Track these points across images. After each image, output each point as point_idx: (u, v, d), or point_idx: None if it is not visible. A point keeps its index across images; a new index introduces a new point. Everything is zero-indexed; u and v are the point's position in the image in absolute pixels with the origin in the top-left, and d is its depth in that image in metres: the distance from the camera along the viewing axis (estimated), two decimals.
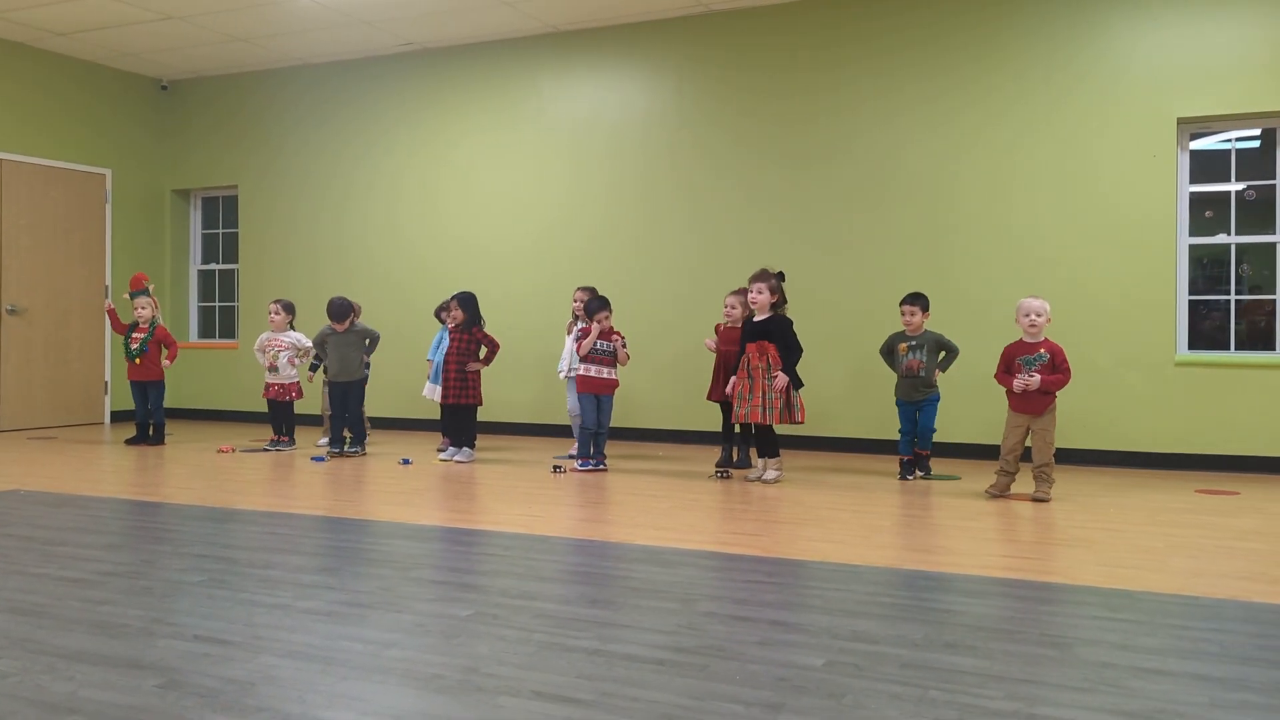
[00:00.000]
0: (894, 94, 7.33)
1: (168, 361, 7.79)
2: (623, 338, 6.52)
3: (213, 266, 10.32)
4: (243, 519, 4.76)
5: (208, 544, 4.17)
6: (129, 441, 7.82)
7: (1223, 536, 4.43)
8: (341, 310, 7.17)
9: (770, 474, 5.90)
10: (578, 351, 6.53)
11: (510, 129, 8.63)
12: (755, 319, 5.97)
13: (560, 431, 8.14)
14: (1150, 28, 6.69)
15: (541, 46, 8.51)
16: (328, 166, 9.41)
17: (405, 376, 8.65)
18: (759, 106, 7.73)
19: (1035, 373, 5.27)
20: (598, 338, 6.40)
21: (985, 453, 6.64)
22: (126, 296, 8.03)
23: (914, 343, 6.03)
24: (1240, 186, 6.70)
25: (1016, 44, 7.00)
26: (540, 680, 2.51)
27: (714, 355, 6.62)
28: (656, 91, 8.11)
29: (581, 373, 6.48)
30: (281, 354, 7.50)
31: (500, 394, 8.26)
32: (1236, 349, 6.69)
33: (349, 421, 7.20)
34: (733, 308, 6.47)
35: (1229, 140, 6.74)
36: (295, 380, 7.56)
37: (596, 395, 6.44)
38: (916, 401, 6.03)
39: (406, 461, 6.79)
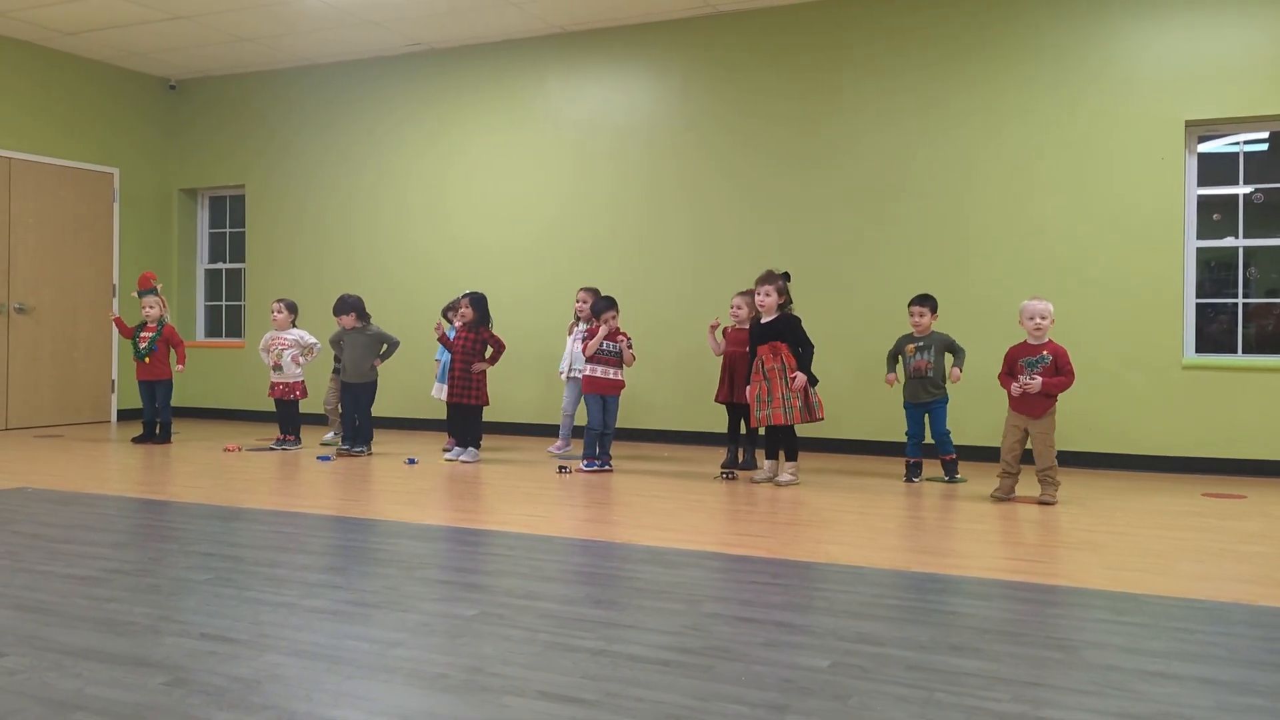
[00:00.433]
0: (901, 96, 7.32)
1: (179, 366, 7.81)
2: (629, 338, 6.52)
3: (219, 266, 10.34)
4: (249, 518, 4.77)
5: (214, 542, 4.17)
6: (136, 440, 7.84)
7: (1229, 540, 4.42)
8: (339, 305, 7.19)
9: (785, 477, 5.89)
10: (584, 351, 6.54)
11: (516, 129, 8.64)
12: (763, 320, 5.97)
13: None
14: (1159, 31, 6.68)
15: (548, 47, 8.52)
16: (335, 166, 9.43)
17: (412, 377, 8.66)
18: (765, 107, 7.73)
19: (1037, 375, 5.26)
20: (604, 338, 6.40)
21: (993, 455, 6.62)
22: (135, 295, 8.06)
23: (921, 344, 6.02)
24: (1248, 190, 6.68)
25: (1025, 46, 6.99)
26: (545, 680, 2.51)
27: (719, 356, 6.62)
28: (662, 92, 8.12)
29: (588, 373, 6.48)
30: (285, 352, 7.51)
31: (504, 394, 8.27)
32: (1244, 352, 6.67)
33: (357, 424, 7.21)
34: (739, 308, 6.46)
35: (1237, 143, 6.73)
36: (300, 379, 7.57)
37: (602, 396, 6.44)
38: (924, 403, 6.01)
39: (412, 461, 6.80)
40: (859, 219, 7.43)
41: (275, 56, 9.28)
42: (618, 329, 6.49)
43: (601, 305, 6.48)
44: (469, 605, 3.21)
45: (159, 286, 7.88)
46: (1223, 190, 6.75)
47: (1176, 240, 6.62)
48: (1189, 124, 6.63)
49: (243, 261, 10.03)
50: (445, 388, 7.09)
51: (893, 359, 6.18)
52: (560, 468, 6.48)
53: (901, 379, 6.13)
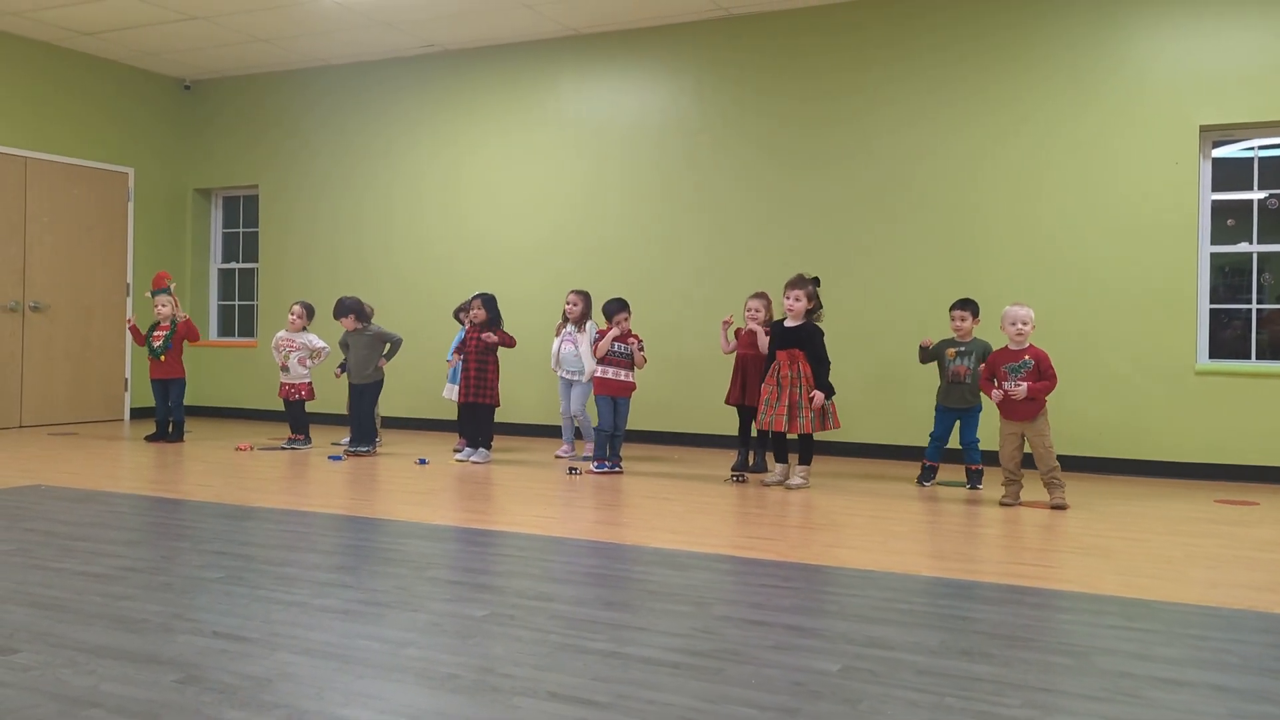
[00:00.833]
0: (914, 98, 7.31)
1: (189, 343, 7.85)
2: (640, 340, 6.53)
3: (233, 265, 10.38)
4: (261, 516, 4.78)
5: (226, 541, 4.19)
6: (149, 438, 7.88)
7: (1242, 547, 4.40)
8: (337, 308, 7.25)
9: (796, 480, 5.88)
10: (594, 352, 6.55)
11: (529, 131, 8.65)
12: (787, 324, 5.94)
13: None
14: (1173, 35, 6.65)
15: (561, 49, 8.53)
16: (348, 167, 9.46)
17: (424, 377, 8.68)
18: (778, 109, 7.73)
19: (1021, 380, 5.26)
20: (614, 340, 6.40)
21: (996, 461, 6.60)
22: (148, 295, 8.09)
23: (963, 349, 5.94)
24: (1263, 195, 6.65)
25: (1039, 50, 6.97)
26: (555, 681, 2.52)
27: (732, 359, 6.62)
28: (675, 94, 8.12)
29: (599, 375, 6.49)
30: (293, 355, 7.54)
31: (513, 394, 8.28)
32: (1257, 358, 6.64)
33: (358, 421, 7.23)
34: (757, 311, 6.45)
35: (1252, 148, 6.70)
36: (305, 381, 7.59)
37: (613, 398, 6.45)
38: (959, 410, 5.94)
39: (423, 461, 6.81)
40: (872, 221, 7.42)
41: (290, 57, 9.31)
42: (629, 331, 6.49)
43: (613, 307, 6.48)
44: (479, 606, 3.21)
45: (172, 286, 7.92)
46: (1237, 195, 6.72)
47: (1190, 245, 6.59)
48: (1204, 129, 6.60)
49: (256, 261, 10.07)
50: (456, 388, 7.11)
51: (928, 357, 6.11)
52: (570, 469, 6.48)
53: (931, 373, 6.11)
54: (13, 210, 8.75)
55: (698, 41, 8.03)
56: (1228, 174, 6.74)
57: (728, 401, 6.62)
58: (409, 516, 4.86)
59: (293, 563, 3.80)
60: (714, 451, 7.58)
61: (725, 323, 6.55)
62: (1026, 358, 5.33)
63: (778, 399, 5.83)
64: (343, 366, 7.68)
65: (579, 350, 6.96)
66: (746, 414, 6.55)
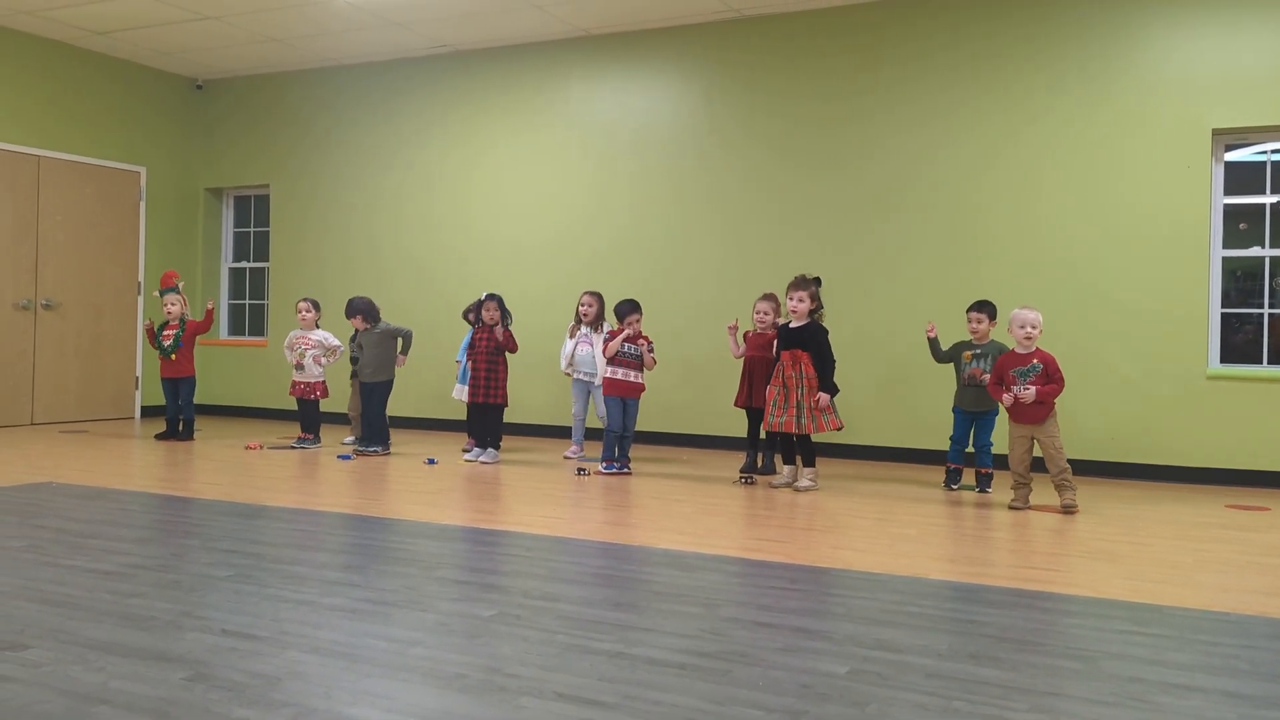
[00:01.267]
0: (924, 99, 7.30)
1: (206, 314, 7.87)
2: (650, 342, 6.53)
3: (244, 265, 10.42)
4: (270, 515, 4.80)
5: (235, 539, 4.20)
6: (159, 437, 7.91)
7: (1253, 552, 4.38)
8: (347, 308, 7.29)
9: (804, 482, 5.87)
10: (604, 352, 6.55)
11: (539, 131, 8.66)
12: (791, 326, 5.94)
13: (588, 434, 8.15)
14: (1186, 37, 6.63)
15: (571, 50, 8.54)
16: (359, 167, 9.48)
17: (433, 377, 8.70)
18: (787, 111, 7.72)
19: (1031, 384, 5.25)
20: (624, 340, 6.40)
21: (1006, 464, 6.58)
22: (156, 294, 8.13)
23: (979, 351, 5.91)
24: (1275, 199, 6.62)
25: (1050, 51, 6.95)
26: (562, 682, 2.52)
27: (740, 361, 6.61)
28: (684, 95, 8.12)
29: (608, 375, 6.49)
30: (308, 352, 7.56)
31: (521, 395, 8.29)
32: (1269, 363, 6.61)
33: (369, 421, 7.24)
34: (765, 314, 6.45)
35: (1264, 152, 6.67)
36: (320, 379, 7.61)
37: (623, 399, 6.45)
38: (976, 413, 5.91)
39: (432, 461, 6.82)
40: (882, 223, 7.41)
41: (301, 57, 9.34)
42: (640, 332, 6.49)
43: (625, 308, 6.49)
44: (487, 606, 3.22)
45: (180, 285, 7.94)
46: (1250, 199, 6.69)
47: (1202, 249, 6.57)
48: (1216, 132, 6.58)
49: (266, 261, 10.10)
50: (465, 389, 7.12)
51: (944, 356, 6.08)
52: (579, 470, 6.48)
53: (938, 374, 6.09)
54: (25, 209, 8.79)
55: (708, 42, 8.02)
56: (1240, 178, 6.71)
57: (736, 404, 6.61)
58: (417, 516, 4.86)
59: (301, 561, 3.81)
60: (722, 453, 7.57)
61: (731, 328, 6.54)
62: (1035, 361, 5.32)
63: (784, 400, 5.82)
64: (354, 374, 7.72)
65: (596, 352, 6.96)
66: (755, 416, 6.54)
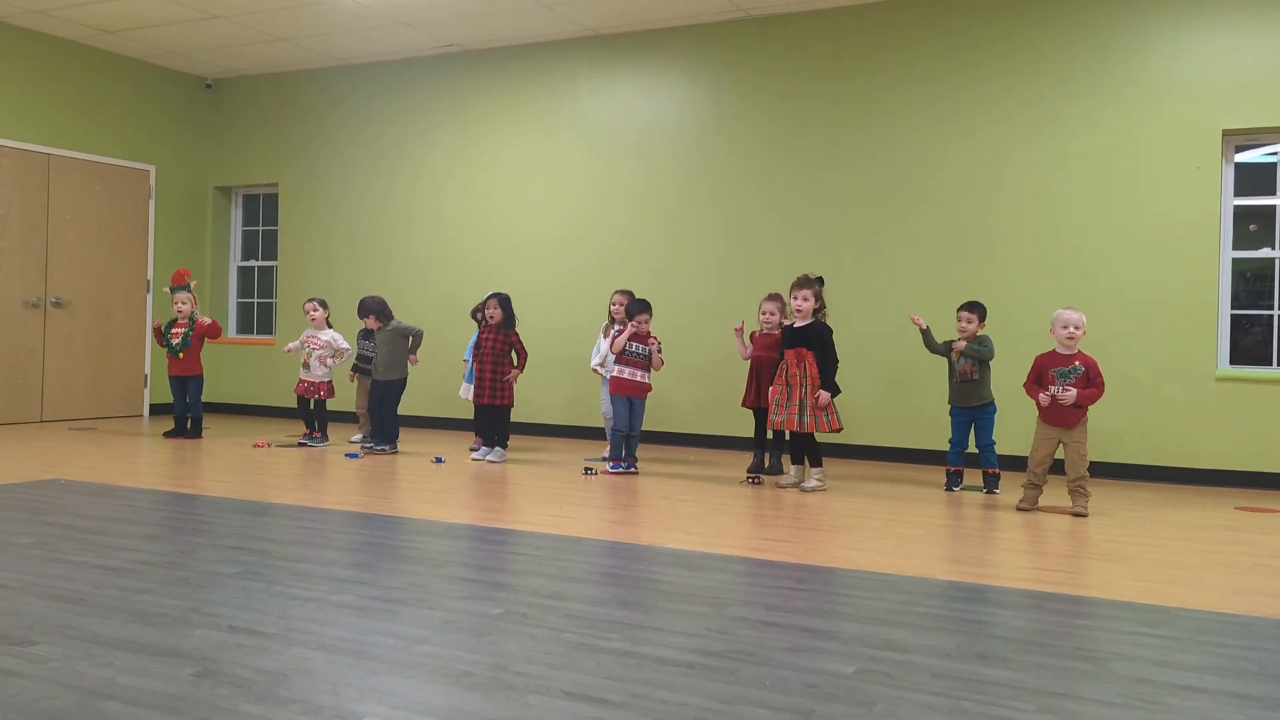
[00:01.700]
0: (931, 101, 7.29)
1: (210, 336, 7.87)
2: (659, 342, 6.53)
3: (252, 263, 10.44)
4: (277, 513, 4.81)
5: (243, 537, 4.21)
6: (167, 434, 7.94)
7: (1261, 554, 4.36)
8: (359, 308, 7.34)
9: (811, 483, 5.86)
10: (611, 349, 6.55)
11: (546, 131, 8.67)
12: (795, 325, 5.94)
13: (592, 433, 8.15)
14: (1196, 38, 6.61)
15: (578, 49, 8.54)
16: (368, 166, 9.50)
17: (440, 376, 8.71)
18: (794, 112, 7.72)
19: (1070, 386, 5.20)
20: (630, 339, 6.40)
21: (1019, 465, 6.57)
22: (166, 291, 8.15)
23: (966, 348, 5.93)
24: None
25: (1059, 53, 6.94)
26: (570, 680, 2.52)
27: (747, 360, 6.61)
28: (692, 95, 8.12)
29: (615, 374, 6.49)
30: (316, 352, 7.57)
31: (532, 395, 8.30)
32: (1279, 365, 6.58)
33: (381, 420, 7.25)
34: (771, 314, 6.45)
35: (1275, 153, 6.64)
36: (324, 380, 7.61)
37: (629, 398, 6.45)
38: (971, 408, 5.90)
39: (439, 460, 6.83)
40: (889, 224, 7.40)
41: (310, 56, 9.36)
42: (649, 332, 6.49)
43: (635, 308, 6.49)
44: (494, 604, 3.22)
45: (191, 283, 7.96)
46: (1260, 200, 6.67)
47: (1212, 250, 6.55)
48: (1226, 133, 6.55)
49: (275, 259, 10.13)
50: (473, 388, 7.12)
51: (936, 349, 6.04)
52: (586, 469, 6.48)
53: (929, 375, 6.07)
54: (35, 207, 8.82)
55: (715, 42, 8.02)
56: (1250, 179, 6.69)
57: (744, 404, 6.61)
58: (425, 514, 4.87)
59: (309, 559, 3.81)
60: (730, 453, 7.57)
61: (737, 330, 6.53)
62: (1076, 363, 5.23)
63: (787, 399, 5.83)
64: (355, 369, 7.74)
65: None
66: (762, 416, 6.54)
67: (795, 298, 5.90)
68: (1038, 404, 5.29)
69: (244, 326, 10.51)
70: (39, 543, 3.98)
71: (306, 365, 7.60)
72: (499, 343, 6.86)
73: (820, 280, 6.01)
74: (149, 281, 9.70)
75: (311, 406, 7.62)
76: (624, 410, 6.44)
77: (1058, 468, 5.39)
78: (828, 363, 5.81)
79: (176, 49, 9.22)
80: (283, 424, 9.07)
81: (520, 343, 6.95)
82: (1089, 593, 3.59)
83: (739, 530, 4.71)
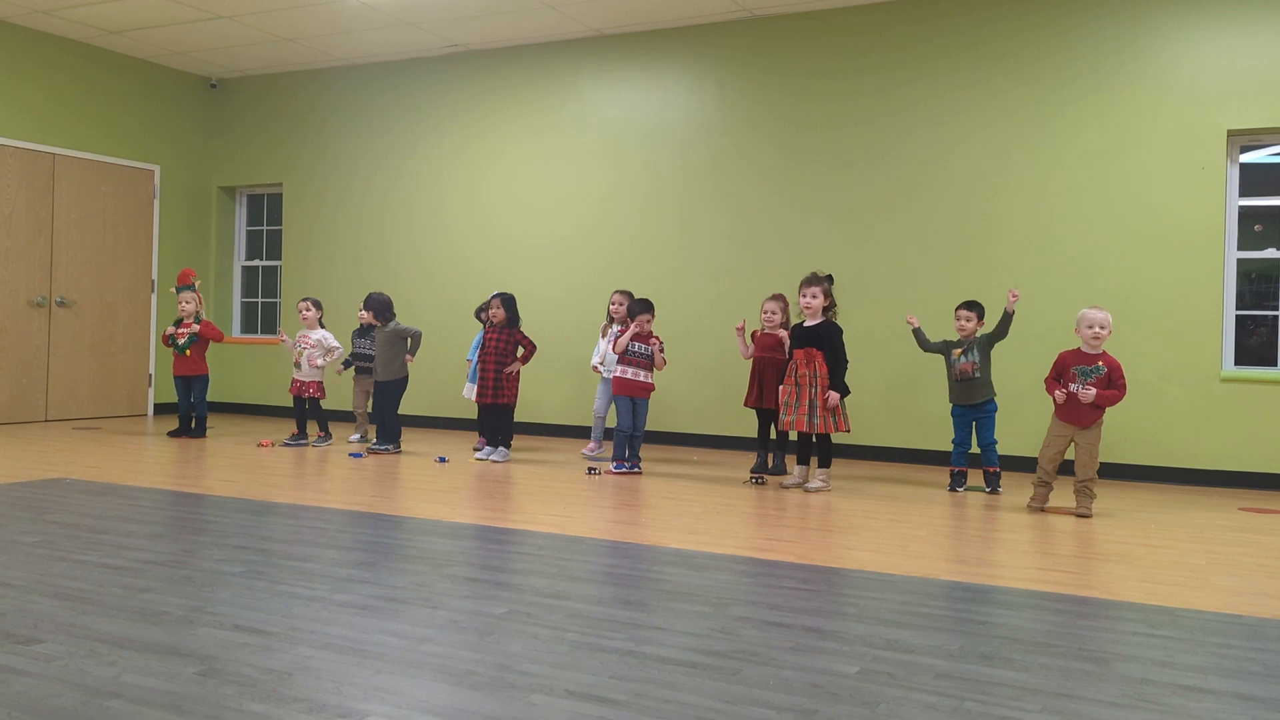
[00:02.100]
0: (937, 100, 7.28)
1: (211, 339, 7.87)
2: (661, 342, 6.52)
3: (256, 263, 10.45)
4: (281, 512, 4.81)
5: (247, 536, 4.22)
6: (171, 434, 7.95)
7: (1266, 555, 4.36)
8: (366, 301, 7.37)
9: (815, 483, 5.85)
10: (614, 349, 6.56)
11: (552, 131, 8.67)
12: (806, 324, 5.93)
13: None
14: (1201, 37, 6.60)
15: (584, 50, 8.54)
16: (372, 166, 9.50)
17: (444, 376, 8.71)
18: (800, 111, 7.71)
19: (1091, 385, 5.18)
20: (632, 339, 6.40)
21: (1020, 464, 6.57)
22: (173, 290, 8.16)
23: (964, 346, 5.91)
24: None
25: (1064, 52, 6.93)
26: (573, 679, 2.52)
27: (748, 360, 6.60)
28: (698, 95, 8.12)
29: (618, 375, 6.49)
30: (306, 351, 7.59)
31: (535, 394, 8.30)
32: None
33: (382, 420, 7.26)
34: (773, 314, 6.45)
35: None
36: (315, 379, 7.61)
37: (632, 398, 6.45)
38: (972, 406, 5.89)
39: (443, 460, 6.83)
40: (894, 223, 7.39)
41: (315, 57, 9.37)
42: (651, 332, 6.49)
43: (637, 307, 6.49)
44: (498, 603, 3.22)
45: (197, 283, 7.97)
46: (1265, 201, 6.66)
47: (1217, 251, 6.53)
48: (1231, 133, 6.54)
49: (279, 259, 10.14)
50: (476, 388, 7.13)
51: (930, 348, 6.05)
52: (589, 469, 6.49)
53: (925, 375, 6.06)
54: (40, 206, 8.84)
55: (720, 42, 8.02)
56: (1255, 179, 6.67)
57: (746, 404, 6.61)
58: (428, 514, 4.87)
59: (313, 558, 3.82)
60: (733, 453, 7.57)
61: (739, 329, 6.52)
62: (1100, 364, 5.19)
63: (797, 400, 5.81)
64: (346, 364, 7.76)
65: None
66: (765, 416, 6.54)
67: (804, 295, 5.88)
68: (1054, 400, 5.27)
69: (248, 326, 10.52)
70: (44, 542, 3.99)
71: (298, 365, 7.63)
72: (502, 342, 6.87)
73: (830, 278, 5.99)
74: (154, 281, 9.72)
75: (307, 406, 7.63)
76: (627, 410, 6.44)
77: (1067, 468, 5.37)
78: (837, 364, 5.79)
79: (181, 49, 9.23)
80: (286, 424, 9.06)
81: (526, 338, 6.94)
82: (1093, 593, 3.59)
83: (742, 530, 4.71)
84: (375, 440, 7.32)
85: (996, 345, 5.94)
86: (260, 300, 10.46)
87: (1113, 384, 5.17)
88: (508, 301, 6.91)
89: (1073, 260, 6.86)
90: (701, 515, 5.00)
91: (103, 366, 9.35)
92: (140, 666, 2.54)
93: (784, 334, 6.32)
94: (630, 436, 6.44)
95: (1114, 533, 4.78)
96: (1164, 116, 6.66)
